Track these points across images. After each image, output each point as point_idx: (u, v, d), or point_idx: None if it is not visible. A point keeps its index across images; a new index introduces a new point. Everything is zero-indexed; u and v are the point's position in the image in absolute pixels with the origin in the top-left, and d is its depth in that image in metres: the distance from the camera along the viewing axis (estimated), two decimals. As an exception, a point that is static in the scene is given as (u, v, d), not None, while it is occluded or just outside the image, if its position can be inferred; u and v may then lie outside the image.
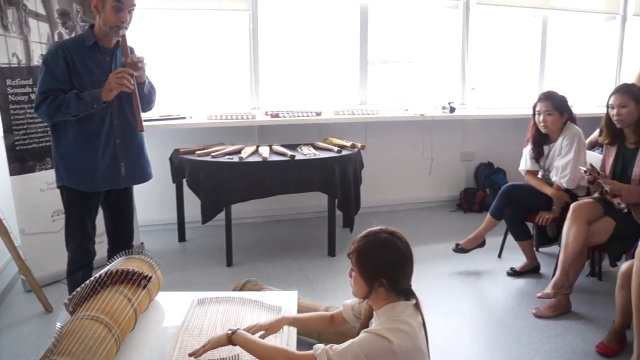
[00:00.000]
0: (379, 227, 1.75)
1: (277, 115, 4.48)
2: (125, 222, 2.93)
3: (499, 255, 4.10)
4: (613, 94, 3.16)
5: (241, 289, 2.95)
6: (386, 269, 1.68)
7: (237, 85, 4.86)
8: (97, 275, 1.84)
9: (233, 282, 3.16)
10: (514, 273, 3.80)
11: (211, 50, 4.77)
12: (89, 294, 1.78)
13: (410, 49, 5.55)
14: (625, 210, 3.11)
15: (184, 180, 4.00)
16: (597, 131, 3.36)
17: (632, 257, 2.64)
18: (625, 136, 3.19)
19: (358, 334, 1.68)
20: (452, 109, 5.08)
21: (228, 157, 3.85)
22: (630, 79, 5.50)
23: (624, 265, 2.72)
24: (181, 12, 4.59)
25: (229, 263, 3.91)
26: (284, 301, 2.13)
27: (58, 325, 1.60)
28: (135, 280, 1.90)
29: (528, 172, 3.82)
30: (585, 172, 3.19)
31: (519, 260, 3.86)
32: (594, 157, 3.72)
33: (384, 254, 1.69)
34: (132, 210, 3.00)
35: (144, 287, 1.92)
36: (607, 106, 3.20)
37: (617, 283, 2.73)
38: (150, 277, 1.96)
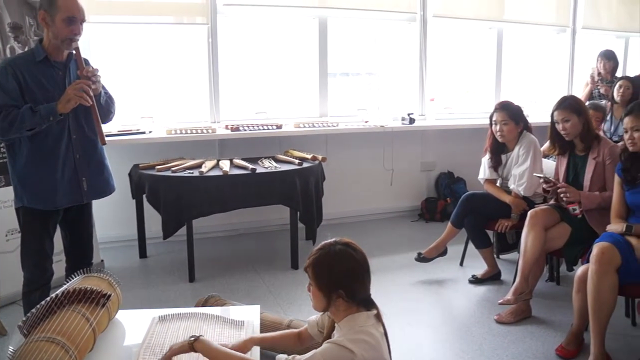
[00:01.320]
0: (334, 239, 1.75)
1: (237, 129, 4.46)
2: (84, 239, 2.86)
3: (461, 264, 4.15)
4: (555, 109, 3.25)
5: (204, 305, 2.90)
6: (342, 280, 1.69)
7: (197, 100, 4.83)
8: (54, 295, 1.79)
9: (196, 297, 3.11)
10: (475, 280, 3.85)
11: (170, 64, 4.74)
12: (45, 314, 1.73)
13: (370, 62, 5.62)
14: (580, 216, 3.20)
15: (144, 195, 3.95)
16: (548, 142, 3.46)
17: (588, 261, 2.71)
18: (575, 145, 3.29)
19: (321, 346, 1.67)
20: (412, 120, 5.15)
21: (188, 171, 3.81)
22: (580, 90, 5.72)
23: (579, 270, 2.79)
24: (140, 26, 4.56)
25: (192, 278, 3.86)
26: (246, 315, 2.11)
27: (11, 349, 1.55)
28: (94, 299, 1.85)
29: (487, 180, 3.89)
30: (542, 181, 3.28)
31: (480, 267, 3.91)
32: (549, 165, 3.81)
33: (339, 266, 1.70)
34: (91, 227, 2.93)
35: (103, 305, 1.88)
36: (552, 120, 3.30)
37: (574, 287, 2.80)
38: (110, 295, 1.92)
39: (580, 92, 5.78)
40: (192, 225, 3.81)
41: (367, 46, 5.61)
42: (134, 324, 2.06)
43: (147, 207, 3.99)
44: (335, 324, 1.74)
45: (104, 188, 2.81)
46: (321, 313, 1.86)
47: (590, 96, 5.59)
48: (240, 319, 2.06)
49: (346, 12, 5.12)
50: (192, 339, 1.68)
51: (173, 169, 3.84)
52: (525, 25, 6.02)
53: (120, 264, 4.18)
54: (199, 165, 3.94)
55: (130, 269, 4.12)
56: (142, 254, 4.31)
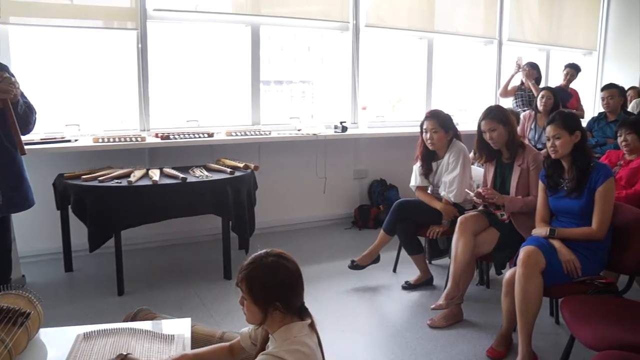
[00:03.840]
0: (265, 251, 1.72)
1: (167, 137, 4.37)
2: (1, 254, 2.71)
3: (394, 270, 4.19)
4: (482, 120, 3.36)
5: (132, 319, 2.79)
6: (278, 292, 1.66)
7: (126, 107, 4.68)
8: (-36, 316, 1.68)
9: (124, 312, 2.98)
10: (408, 286, 3.89)
11: (98, 70, 4.58)
12: (-47, 337, 1.61)
13: (304, 70, 5.63)
14: (507, 221, 3.30)
15: (69, 206, 3.79)
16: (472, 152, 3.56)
17: (515, 264, 2.79)
18: (501, 152, 3.40)
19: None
20: (344, 129, 5.19)
21: (116, 181, 3.69)
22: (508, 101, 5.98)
23: (507, 273, 2.88)
24: (66, 30, 4.38)
25: (120, 292, 3.72)
26: (177, 329, 2.04)
27: None
28: (10, 318, 1.75)
29: (418, 188, 3.95)
30: (473, 195, 3.36)
31: (413, 273, 3.97)
32: (478, 172, 3.91)
33: (273, 278, 1.67)
34: (10, 240, 2.78)
35: (21, 325, 1.77)
36: (479, 130, 3.39)
37: (503, 290, 2.88)
38: (29, 314, 1.81)
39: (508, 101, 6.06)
40: (121, 236, 3.69)
41: (301, 54, 5.63)
42: (57, 343, 1.95)
43: (73, 218, 3.82)
44: (270, 335, 1.71)
45: (22, 202, 2.67)
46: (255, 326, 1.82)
47: (514, 91, 5.91)
48: (170, 333, 1.99)
49: (279, 20, 5.10)
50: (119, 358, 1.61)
51: (100, 178, 3.70)
52: (454, 36, 6.21)
53: (44, 279, 3.99)
54: (128, 175, 3.82)
55: (55, 283, 3.94)
56: (68, 267, 4.13)
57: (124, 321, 2.50)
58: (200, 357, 1.89)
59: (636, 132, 3.73)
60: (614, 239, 2.82)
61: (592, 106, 7.26)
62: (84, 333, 1.96)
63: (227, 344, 1.98)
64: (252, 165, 4.22)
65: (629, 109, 6.06)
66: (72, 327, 2.05)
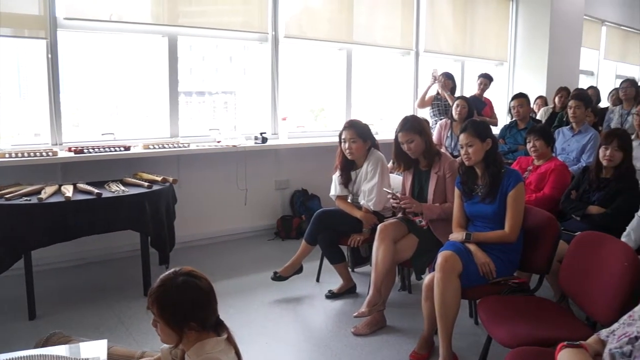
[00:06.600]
0: (173, 270, 1.69)
1: (81, 151, 4.19)
2: None
3: (317, 280, 4.21)
4: (399, 132, 3.42)
5: (44, 345, 2.65)
6: (191, 312, 1.63)
7: (36, 120, 4.46)
8: None
9: (37, 337, 2.84)
10: (332, 295, 3.91)
11: (5, 80, 4.34)
12: None
13: (226, 81, 5.59)
14: (426, 227, 3.38)
15: (-27, 227, 3.56)
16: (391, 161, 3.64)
17: (434, 269, 2.86)
18: (419, 161, 3.48)
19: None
20: (264, 140, 5.17)
21: (25, 198, 3.50)
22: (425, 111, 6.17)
23: (426, 278, 2.95)
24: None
25: (32, 316, 3.53)
26: (92, 352, 1.96)
27: None
28: None
29: (338, 197, 3.99)
30: (390, 196, 3.42)
31: (336, 282, 3.99)
32: (397, 180, 3.99)
33: (185, 299, 1.63)
34: None
35: None
36: (396, 141, 3.45)
37: (422, 295, 2.95)
38: None
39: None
40: (31, 256, 3.50)
41: (223, 65, 5.58)
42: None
43: (-23, 239, 3.60)
44: (185, 354, 1.67)
45: None
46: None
47: (431, 101, 6.10)
48: (85, 357, 1.91)
49: (197, 30, 5.03)
50: None
51: (7, 196, 3.50)
52: (373, 47, 6.35)
53: (-55, 306, 3.73)
54: (38, 192, 3.63)
55: (-42, 310, 3.69)
56: (-28, 292, 3.88)
57: (35, 347, 2.37)
58: None
59: (543, 138, 3.93)
60: (525, 240, 2.95)
61: (504, 114, 7.60)
62: (-12, 363, 1.84)
63: (151, 358, 1.93)
64: (171, 179, 4.12)
65: (537, 116, 6.40)
66: (-25, 357, 1.93)
